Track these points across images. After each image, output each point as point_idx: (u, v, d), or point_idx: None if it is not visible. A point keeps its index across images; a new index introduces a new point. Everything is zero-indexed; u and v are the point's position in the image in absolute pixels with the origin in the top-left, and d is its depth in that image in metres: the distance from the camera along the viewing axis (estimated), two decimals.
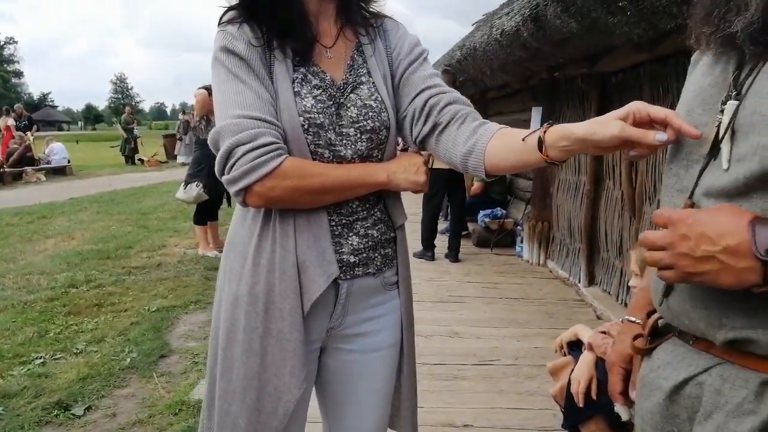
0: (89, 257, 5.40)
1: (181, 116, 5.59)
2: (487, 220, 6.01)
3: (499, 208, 6.15)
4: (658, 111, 0.82)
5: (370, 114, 1.13)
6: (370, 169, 1.12)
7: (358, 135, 1.12)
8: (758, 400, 0.73)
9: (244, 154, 1.02)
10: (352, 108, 1.12)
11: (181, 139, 5.62)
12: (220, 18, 1.13)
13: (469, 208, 6.01)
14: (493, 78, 5.61)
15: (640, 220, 3.54)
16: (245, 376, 1.12)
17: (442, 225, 6.21)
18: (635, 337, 0.98)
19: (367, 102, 1.13)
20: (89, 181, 12.96)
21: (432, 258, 5.35)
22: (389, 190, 1.17)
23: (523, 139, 0.99)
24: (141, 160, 17.81)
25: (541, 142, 0.95)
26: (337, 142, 1.11)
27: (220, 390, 1.15)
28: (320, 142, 1.10)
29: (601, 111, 4.16)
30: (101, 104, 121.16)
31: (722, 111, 0.77)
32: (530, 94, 5.67)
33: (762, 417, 0.72)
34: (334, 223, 1.13)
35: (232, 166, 1.03)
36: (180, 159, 13.77)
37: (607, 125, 0.85)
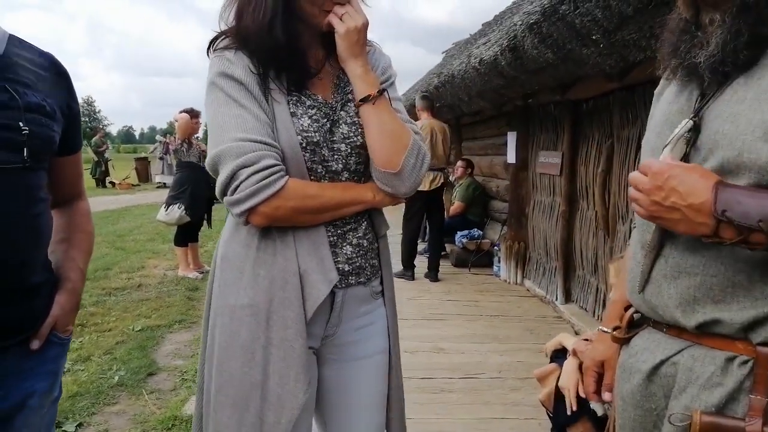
0: None
1: (160, 137, 5.59)
2: (464, 240, 6.16)
3: (476, 229, 6.32)
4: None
5: (360, 130, 1.19)
6: (360, 190, 1.20)
7: (349, 150, 1.19)
8: (724, 374, 0.87)
9: (248, 177, 1.05)
10: (343, 125, 1.19)
11: (162, 158, 5.58)
12: (213, 42, 1.17)
13: (447, 230, 6.16)
14: (470, 104, 5.83)
15: (614, 238, 3.72)
16: (248, 387, 1.12)
17: (420, 246, 6.34)
18: (614, 329, 1.09)
19: (355, 119, 1.20)
20: None
21: (412, 278, 5.46)
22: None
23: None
24: (112, 183, 17.57)
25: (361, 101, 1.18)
26: (330, 158, 1.17)
27: (218, 403, 1.14)
28: (315, 158, 1.15)
29: (574, 136, 4.39)
30: None
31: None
32: (504, 120, 5.90)
33: (728, 388, 0.86)
34: (330, 234, 1.19)
35: (236, 188, 1.06)
36: (158, 179, 13.52)
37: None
